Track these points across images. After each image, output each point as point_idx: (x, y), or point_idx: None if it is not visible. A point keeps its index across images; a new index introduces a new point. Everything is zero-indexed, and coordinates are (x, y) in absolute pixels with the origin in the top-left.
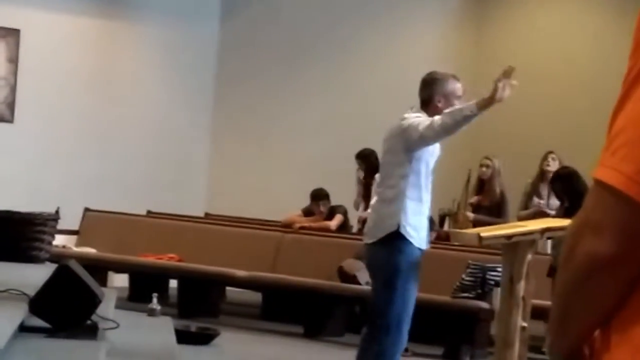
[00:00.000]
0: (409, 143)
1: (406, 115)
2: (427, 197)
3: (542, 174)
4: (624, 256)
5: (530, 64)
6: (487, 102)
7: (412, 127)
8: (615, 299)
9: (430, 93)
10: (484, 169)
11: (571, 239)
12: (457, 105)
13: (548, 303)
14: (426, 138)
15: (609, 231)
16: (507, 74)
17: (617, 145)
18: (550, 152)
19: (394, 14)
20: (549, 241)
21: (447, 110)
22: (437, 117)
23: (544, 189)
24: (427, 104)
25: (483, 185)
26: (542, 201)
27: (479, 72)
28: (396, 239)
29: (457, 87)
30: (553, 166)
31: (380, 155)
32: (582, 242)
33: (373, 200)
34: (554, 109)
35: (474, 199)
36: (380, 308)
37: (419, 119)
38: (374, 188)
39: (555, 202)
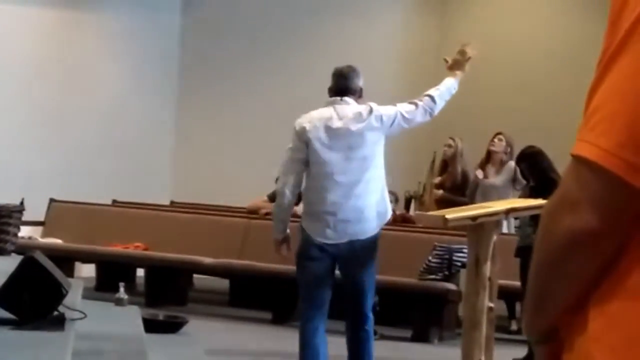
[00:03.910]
0: (397, 129)
1: (371, 105)
2: None
3: (488, 154)
4: (604, 231)
5: (492, 46)
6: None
7: (402, 113)
8: (594, 276)
9: (360, 84)
10: (446, 148)
11: (548, 217)
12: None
13: (515, 283)
14: (421, 122)
15: (588, 206)
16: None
17: (596, 121)
18: (499, 133)
19: None
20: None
21: (433, 93)
22: (422, 101)
23: (490, 169)
24: (358, 94)
25: (447, 165)
26: (482, 177)
27: (442, 54)
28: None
29: None
30: (497, 147)
31: (344, 150)
32: (561, 219)
33: (358, 192)
34: (516, 89)
35: (436, 179)
36: (367, 296)
37: (401, 105)
38: (344, 182)
39: (497, 180)
